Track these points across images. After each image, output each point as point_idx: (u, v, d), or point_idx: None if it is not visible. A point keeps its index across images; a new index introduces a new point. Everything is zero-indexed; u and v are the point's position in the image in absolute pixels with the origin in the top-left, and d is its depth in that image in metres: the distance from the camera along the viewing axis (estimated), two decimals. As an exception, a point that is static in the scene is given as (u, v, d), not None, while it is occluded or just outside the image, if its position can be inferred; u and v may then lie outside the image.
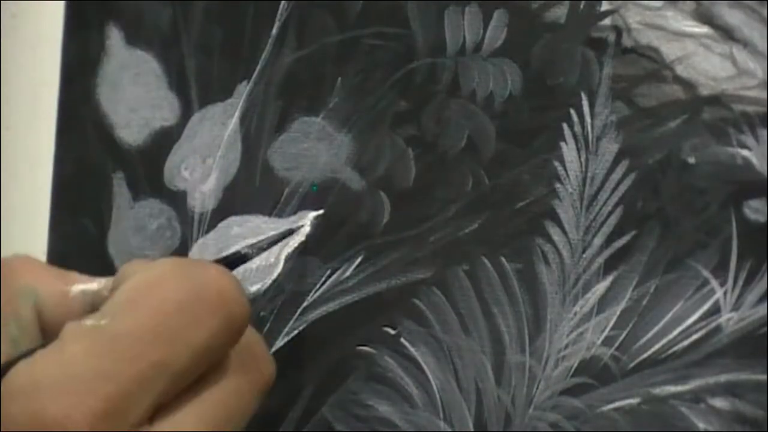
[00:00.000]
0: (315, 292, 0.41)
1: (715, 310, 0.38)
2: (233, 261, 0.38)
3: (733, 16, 0.39)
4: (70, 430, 0.25)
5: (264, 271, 0.42)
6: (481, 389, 0.40)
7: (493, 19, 0.40)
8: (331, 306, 0.41)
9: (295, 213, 0.42)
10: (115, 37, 0.45)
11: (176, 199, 0.44)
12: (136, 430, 0.26)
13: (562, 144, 0.40)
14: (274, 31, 0.42)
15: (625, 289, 0.39)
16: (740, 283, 0.38)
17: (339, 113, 0.42)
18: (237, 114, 0.43)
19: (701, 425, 0.38)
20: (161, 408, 0.27)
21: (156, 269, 0.28)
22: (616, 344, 0.39)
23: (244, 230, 0.42)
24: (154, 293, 0.28)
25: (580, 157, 0.40)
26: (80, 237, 0.45)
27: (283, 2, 0.42)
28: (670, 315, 0.39)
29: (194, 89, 0.43)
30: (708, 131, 0.39)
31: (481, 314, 0.40)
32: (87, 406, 0.25)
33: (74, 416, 0.25)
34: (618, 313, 0.39)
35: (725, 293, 0.38)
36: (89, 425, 0.25)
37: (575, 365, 0.39)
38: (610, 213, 0.39)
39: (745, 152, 0.38)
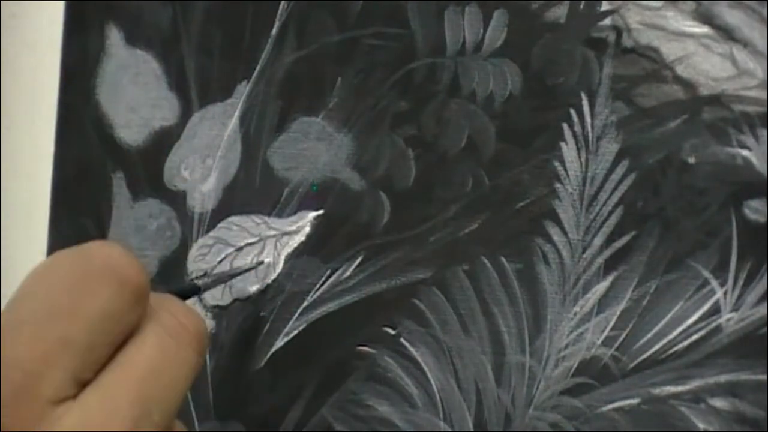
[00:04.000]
0: (315, 292, 0.41)
1: (715, 311, 0.38)
2: (186, 291, 0.38)
3: (733, 16, 0.39)
4: None
5: (264, 271, 0.42)
6: (481, 389, 0.40)
7: (493, 19, 0.40)
8: (331, 306, 0.41)
9: (295, 213, 0.42)
10: (114, 37, 0.45)
11: (176, 199, 0.44)
12: (57, 405, 0.27)
13: (562, 144, 0.40)
14: (274, 31, 0.42)
15: (625, 289, 0.39)
16: (740, 283, 0.38)
17: (339, 113, 0.42)
18: (237, 114, 0.43)
19: (701, 425, 0.38)
20: (86, 384, 0.28)
21: (43, 262, 0.29)
22: (616, 344, 0.39)
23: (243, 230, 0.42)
24: (44, 280, 0.29)
25: (580, 157, 0.40)
26: (80, 237, 0.45)
27: (283, 2, 0.42)
28: (670, 315, 0.39)
29: (194, 89, 0.43)
30: (708, 131, 0.39)
31: (481, 314, 0.40)
32: None
33: None
34: (618, 313, 0.39)
35: (725, 293, 0.38)
36: (1, 412, 0.26)
37: (575, 365, 0.39)
38: (610, 213, 0.39)
39: (745, 152, 0.38)
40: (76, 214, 0.45)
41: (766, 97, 0.38)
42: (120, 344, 0.29)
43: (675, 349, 0.39)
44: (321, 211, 0.42)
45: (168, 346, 0.29)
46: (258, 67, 0.43)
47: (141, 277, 0.29)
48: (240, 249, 0.42)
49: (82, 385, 0.28)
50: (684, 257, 0.39)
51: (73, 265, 0.29)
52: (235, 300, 0.42)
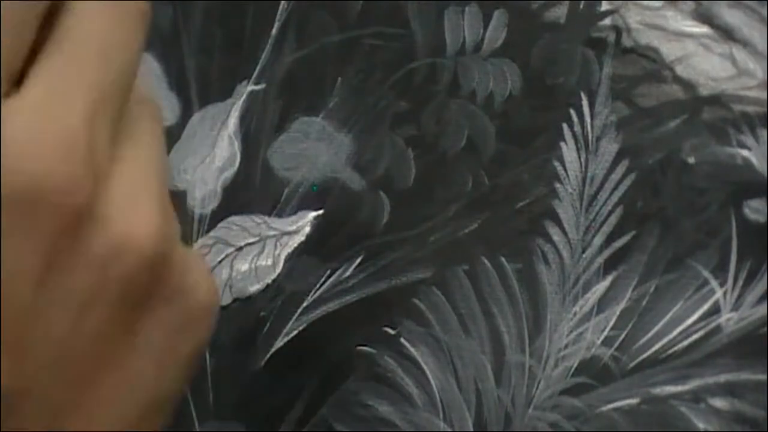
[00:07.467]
0: (315, 292, 0.41)
1: (715, 310, 0.38)
2: None
3: (733, 16, 0.39)
4: (49, 183, 0.23)
5: (264, 271, 0.42)
6: (481, 389, 0.40)
7: (493, 19, 0.40)
8: (331, 306, 0.41)
9: (295, 213, 0.42)
10: (115, 37, 0.45)
11: (176, 199, 0.44)
12: (104, 159, 0.24)
13: (562, 144, 0.40)
14: (274, 31, 0.42)
15: (625, 289, 0.39)
16: (740, 283, 0.38)
17: (339, 113, 0.42)
18: (237, 114, 0.43)
19: (701, 425, 0.38)
20: (23, 74, 0.24)
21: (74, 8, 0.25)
22: (616, 344, 0.39)
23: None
24: (81, 27, 0.25)
25: (580, 157, 0.40)
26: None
27: (283, 2, 0.42)
28: (670, 315, 0.39)
29: (194, 89, 0.43)
30: (708, 131, 0.39)
31: (481, 314, 0.40)
32: (57, 153, 0.23)
33: (49, 166, 0.23)
34: (618, 313, 0.39)
35: (725, 293, 0.38)
36: (65, 173, 0.23)
37: (575, 365, 0.39)
38: (610, 213, 0.39)
39: (745, 152, 0.39)
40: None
41: (766, 97, 0.38)
42: (52, 12, 0.24)
43: (675, 348, 0.39)
44: (321, 211, 0.42)
45: (110, 15, 0.25)
46: (258, 67, 0.43)
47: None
48: (240, 249, 0.42)
49: (19, 74, 0.24)
50: (684, 257, 0.39)
51: (106, 10, 0.25)
52: (235, 300, 0.42)
